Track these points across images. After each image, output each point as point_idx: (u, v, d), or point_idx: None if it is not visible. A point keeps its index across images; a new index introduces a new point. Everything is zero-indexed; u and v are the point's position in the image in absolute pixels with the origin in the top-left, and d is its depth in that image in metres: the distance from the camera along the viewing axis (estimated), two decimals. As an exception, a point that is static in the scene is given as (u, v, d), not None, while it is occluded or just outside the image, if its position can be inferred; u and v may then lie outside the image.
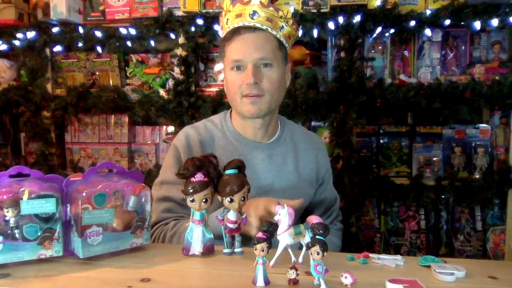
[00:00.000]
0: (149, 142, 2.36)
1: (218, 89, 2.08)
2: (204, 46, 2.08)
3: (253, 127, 1.20)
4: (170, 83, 2.13)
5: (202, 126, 1.24)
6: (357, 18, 1.88)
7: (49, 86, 2.28)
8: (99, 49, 2.21)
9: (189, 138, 1.20)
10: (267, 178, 1.19)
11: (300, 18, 1.91)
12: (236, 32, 1.11)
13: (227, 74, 1.17)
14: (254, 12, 1.10)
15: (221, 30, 1.20)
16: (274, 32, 1.13)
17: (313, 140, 1.34)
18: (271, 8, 1.11)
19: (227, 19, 1.14)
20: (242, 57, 1.11)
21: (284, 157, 1.23)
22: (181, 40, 2.06)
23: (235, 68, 1.13)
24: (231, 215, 0.88)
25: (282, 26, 1.14)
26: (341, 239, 1.34)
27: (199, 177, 0.85)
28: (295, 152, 1.25)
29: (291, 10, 1.93)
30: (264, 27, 1.11)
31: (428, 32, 1.94)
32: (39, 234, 0.80)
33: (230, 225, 0.88)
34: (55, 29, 2.18)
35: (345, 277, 0.69)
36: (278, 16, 1.13)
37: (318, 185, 1.30)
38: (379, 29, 1.93)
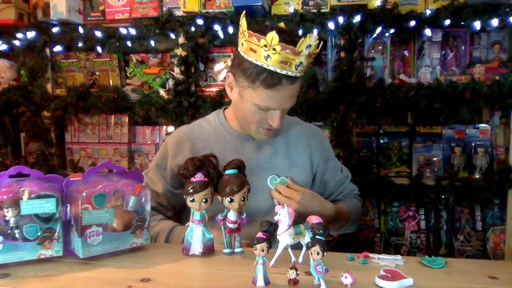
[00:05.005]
0: (149, 142, 2.36)
1: (218, 89, 2.08)
2: (204, 46, 2.08)
3: None
4: (170, 83, 2.13)
5: (197, 125, 1.30)
6: (357, 18, 1.88)
7: (49, 86, 2.28)
8: (99, 49, 2.21)
9: (180, 136, 1.26)
10: (258, 167, 1.19)
11: (300, 18, 1.91)
12: (278, 78, 1.04)
13: (247, 104, 1.10)
14: (300, 63, 1.03)
15: (247, 48, 1.05)
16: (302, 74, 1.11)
17: (307, 128, 1.33)
18: (313, 56, 1.07)
19: (268, 55, 1.01)
20: (277, 107, 1.09)
21: (275, 145, 1.24)
22: (181, 40, 2.06)
23: (260, 108, 1.09)
24: (231, 215, 0.88)
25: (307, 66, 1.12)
26: (361, 203, 1.39)
27: (199, 177, 0.85)
28: (286, 140, 1.26)
29: (291, 10, 1.93)
30: (301, 74, 1.08)
31: (428, 32, 1.93)
32: (39, 234, 0.80)
33: (230, 225, 0.88)
34: (55, 29, 2.18)
35: (345, 277, 0.70)
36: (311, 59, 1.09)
37: (315, 171, 1.29)
38: (379, 29, 1.93)
